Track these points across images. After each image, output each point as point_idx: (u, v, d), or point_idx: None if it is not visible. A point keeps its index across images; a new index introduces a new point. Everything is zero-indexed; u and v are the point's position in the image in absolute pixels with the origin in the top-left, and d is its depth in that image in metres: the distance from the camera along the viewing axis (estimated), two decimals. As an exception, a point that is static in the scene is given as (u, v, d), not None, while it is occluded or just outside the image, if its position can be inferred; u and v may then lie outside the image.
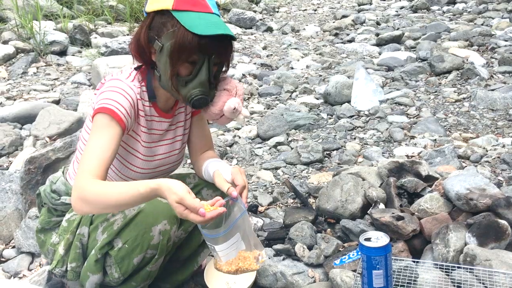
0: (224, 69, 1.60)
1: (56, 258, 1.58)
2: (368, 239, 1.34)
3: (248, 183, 2.78)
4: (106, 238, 1.50)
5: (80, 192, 1.36)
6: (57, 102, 3.91)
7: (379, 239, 1.33)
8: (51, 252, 1.65)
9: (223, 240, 1.54)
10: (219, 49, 1.48)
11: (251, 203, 2.55)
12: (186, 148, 1.86)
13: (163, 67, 1.49)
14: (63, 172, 1.76)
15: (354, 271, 1.60)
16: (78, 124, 3.26)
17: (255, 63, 5.21)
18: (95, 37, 5.44)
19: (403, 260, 1.56)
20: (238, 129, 3.65)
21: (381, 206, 2.01)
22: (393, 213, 1.87)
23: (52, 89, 4.25)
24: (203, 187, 1.82)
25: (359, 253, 1.34)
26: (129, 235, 1.49)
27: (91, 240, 1.55)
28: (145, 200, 1.37)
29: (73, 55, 5.10)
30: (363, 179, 2.23)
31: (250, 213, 2.40)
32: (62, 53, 5.05)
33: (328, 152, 3.12)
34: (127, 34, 5.67)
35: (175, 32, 1.44)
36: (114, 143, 1.45)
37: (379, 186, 2.16)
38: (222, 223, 1.56)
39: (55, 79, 4.48)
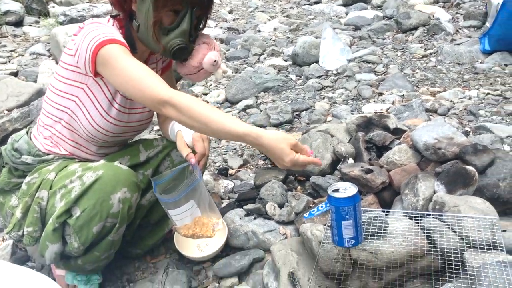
0: (201, 25, 1.59)
1: (13, 221, 1.51)
2: (336, 190, 1.31)
3: (218, 147, 2.75)
4: (63, 206, 1.43)
5: (171, 98, 1.32)
6: (15, 74, 3.74)
7: (347, 189, 1.30)
8: (9, 215, 1.58)
9: (176, 205, 1.53)
10: (202, 0, 1.49)
11: (221, 166, 2.51)
12: None
13: (144, 16, 1.46)
14: (27, 132, 1.68)
15: (325, 225, 1.59)
16: (38, 95, 3.13)
17: (221, 27, 5.10)
18: (53, 6, 5.22)
19: (373, 210, 1.55)
20: (206, 94, 3.57)
21: (350, 161, 2.00)
22: (362, 167, 1.85)
23: (9, 61, 4.07)
24: (172, 149, 1.78)
25: (328, 205, 1.32)
26: (87, 203, 1.42)
27: (50, 206, 1.48)
28: (234, 141, 1.36)
29: (30, 25, 4.88)
30: (332, 136, 2.21)
31: (220, 176, 2.36)
32: (18, 23, 4.83)
33: (297, 113, 3.09)
34: (87, 2, 5.44)
35: None
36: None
37: (348, 142, 2.15)
38: (176, 188, 1.55)
39: (12, 50, 4.28)
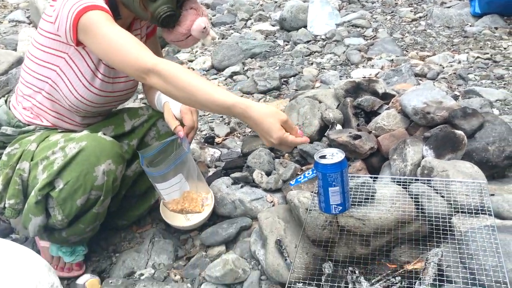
0: None
1: None
2: (323, 157, 1.28)
3: (204, 115, 2.70)
4: (45, 178, 1.38)
5: (156, 65, 1.26)
6: (-7, 42, 3.63)
7: (334, 155, 1.27)
8: None
9: (164, 178, 1.50)
10: None
11: (207, 134, 2.47)
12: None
13: None
14: (5, 101, 1.62)
15: (312, 192, 1.57)
16: (18, 63, 3.04)
17: (206, -8, 4.96)
18: (31, -29, 5.02)
19: (360, 176, 1.53)
20: (191, 61, 3.50)
21: (338, 127, 1.97)
22: (350, 133, 1.82)
23: (-13, 29, 3.94)
24: (158, 118, 1.73)
25: (315, 171, 1.29)
26: (70, 176, 1.37)
27: (32, 177, 1.43)
28: (221, 113, 1.29)
29: (8, -9, 4.72)
30: (320, 102, 2.17)
31: (206, 144, 2.32)
32: (-5, -10, 4.67)
33: (285, 79, 3.04)
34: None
35: None
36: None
37: (336, 108, 2.11)
38: (164, 162, 1.52)
39: (-11, 18, 4.15)
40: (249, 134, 2.43)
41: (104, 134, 1.50)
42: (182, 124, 1.53)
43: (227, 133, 2.47)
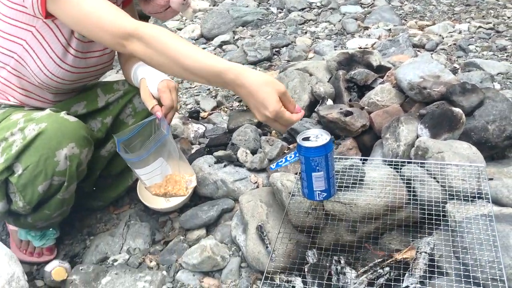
0: None
1: None
2: (306, 139, 1.16)
3: (190, 87, 2.57)
4: (3, 162, 1.26)
5: (137, 29, 1.14)
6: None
7: (318, 137, 1.15)
8: None
9: (144, 164, 1.38)
10: None
11: (192, 108, 2.35)
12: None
13: None
14: None
15: (297, 173, 1.46)
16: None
17: (198, -44, 4.73)
18: None
19: (349, 158, 1.42)
20: (180, 29, 3.34)
21: (329, 102, 1.85)
22: (341, 109, 1.70)
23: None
24: (134, 94, 1.59)
25: (297, 154, 1.18)
26: (29, 160, 1.25)
27: (-10, 159, 1.31)
28: (210, 82, 1.14)
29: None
30: (311, 75, 2.04)
31: (190, 119, 2.20)
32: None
33: (277, 49, 2.89)
34: None
35: None
36: None
37: (328, 81, 1.98)
38: (143, 146, 1.40)
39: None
40: (237, 108, 2.31)
41: (69, 113, 1.37)
42: (160, 104, 1.40)
43: (213, 107, 2.35)
